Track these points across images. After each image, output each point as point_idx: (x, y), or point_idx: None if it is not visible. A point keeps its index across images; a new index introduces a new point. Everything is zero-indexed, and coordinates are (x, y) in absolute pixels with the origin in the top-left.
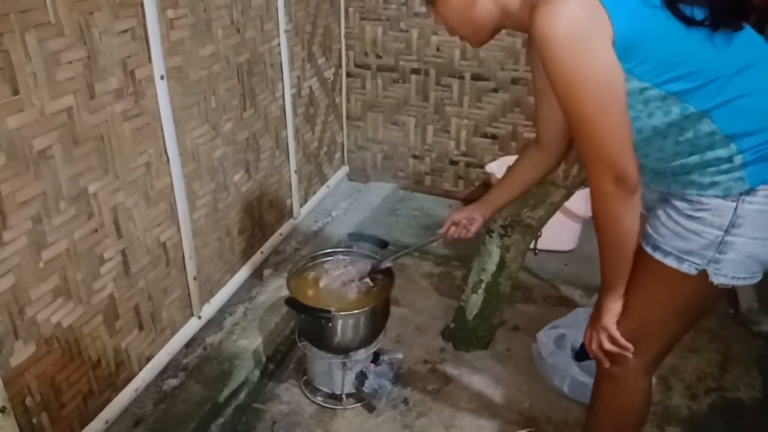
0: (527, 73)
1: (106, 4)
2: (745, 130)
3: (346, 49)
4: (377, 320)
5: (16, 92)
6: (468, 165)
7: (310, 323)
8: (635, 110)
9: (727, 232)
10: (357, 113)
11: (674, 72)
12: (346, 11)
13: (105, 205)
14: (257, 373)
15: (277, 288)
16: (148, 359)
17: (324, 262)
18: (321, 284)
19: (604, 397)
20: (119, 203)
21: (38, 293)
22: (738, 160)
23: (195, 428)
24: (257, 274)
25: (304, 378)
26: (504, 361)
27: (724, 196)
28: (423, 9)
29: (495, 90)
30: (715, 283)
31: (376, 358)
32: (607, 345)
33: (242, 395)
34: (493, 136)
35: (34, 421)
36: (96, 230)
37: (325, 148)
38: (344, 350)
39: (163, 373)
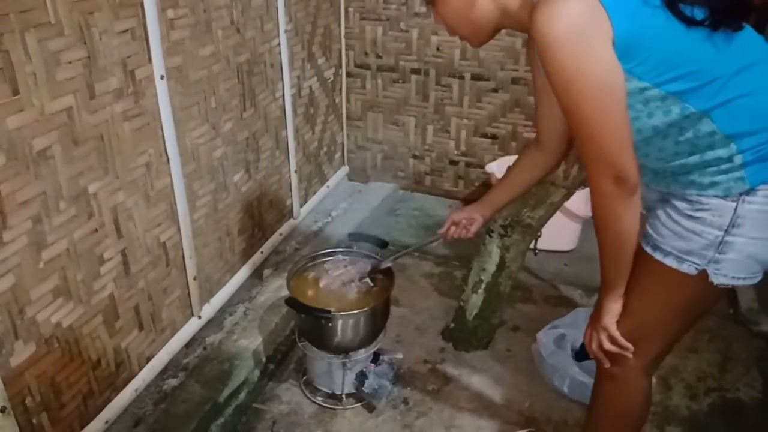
0: (527, 73)
1: (106, 4)
2: (745, 130)
3: (346, 49)
4: (377, 320)
5: (16, 92)
6: (468, 165)
7: (310, 323)
8: (635, 110)
9: (727, 232)
10: (357, 113)
11: (674, 72)
12: (346, 11)
13: (105, 205)
14: (257, 373)
15: (277, 288)
16: (148, 359)
17: (324, 262)
18: (321, 284)
19: (604, 397)
20: (119, 203)
21: (38, 293)
22: (738, 160)
23: (195, 428)
24: (257, 274)
25: (304, 378)
26: (504, 361)
27: (724, 196)
28: (423, 9)
29: (495, 90)
30: (715, 283)
31: (376, 358)
32: (607, 345)
33: (242, 395)
34: (493, 136)
35: (34, 421)
36: (96, 230)
37: (325, 148)
38: (344, 350)
39: (163, 373)
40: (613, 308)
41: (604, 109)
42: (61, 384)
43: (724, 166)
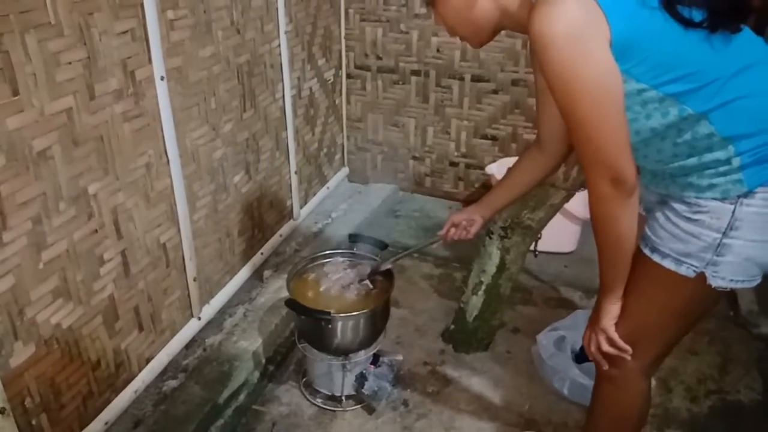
0: (527, 74)
1: (106, 5)
2: (743, 132)
3: (347, 51)
4: (377, 322)
5: (16, 93)
6: (468, 166)
7: (309, 325)
8: (633, 112)
9: (725, 234)
10: (357, 114)
11: (672, 73)
12: (347, 12)
13: (105, 206)
14: (257, 374)
15: (276, 289)
16: (148, 360)
17: (324, 263)
18: (321, 286)
19: (603, 399)
20: (119, 204)
21: (38, 294)
22: (736, 162)
23: (195, 430)
24: (257, 276)
25: (304, 379)
26: (504, 363)
27: (722, 199)
28: (423, 10)
29: (495, 91)
30: (713, 286)
31: (375, 360)
32: (606, 347)
33: (242, 397)
34: (493, 138)
35: (34, 422)
36: (96, 231)
37: (325, 150)
38: (344, 352)
39: (163, 374)
40: (612, 310)
41: (601, 110)
42: (60, 385)
43: (722, 169)
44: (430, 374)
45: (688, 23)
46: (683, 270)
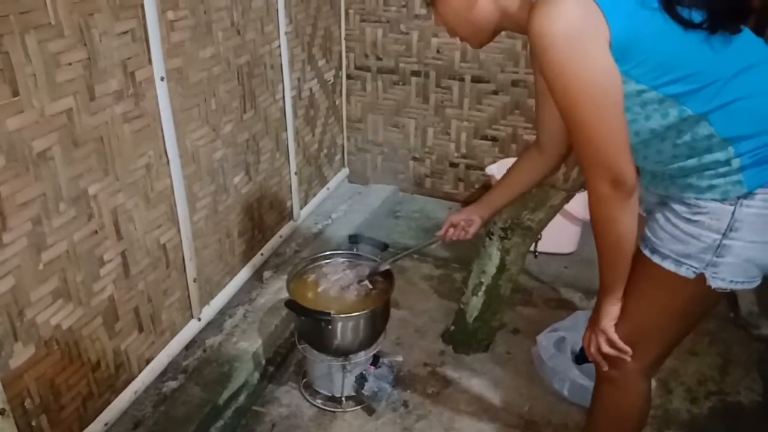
0: (527, 75)
1: (106, 6)
2: (743, 133)
3: (347, 51)
4: (377, 323)
5: (16, 93)
6: (468, 167)
7: (309, 325)
8: (633, 113)
9: (724, 235)
10: (357, 115)
11: (672, 74)
12: (347, 13)
13: (105, 207)
14: (257, 375)
15: (277, 290)
16: (148, 361)
17: (324, 264)
18: (321, 287)
19: (603, 400)
20: (119, 205)
21: (38, 295)
22: (736, 163)
23: (194, 431)
24: (257, 276)
25: (304, 380)
26: (504, 364)
27: (722, 200)
28: (423, 11)
29: (495, 92)
30: (713, 287)
31: (375, 361)
32: (606, 348)
33: (242, 398)
34: (494, 139)
35: (34, 423)
36: (96, 232)
37: (325, 150)
38: (344, 353)
39: (163, 375)
40: (612, 311)
41: (601, 111)
42: (60, 386)
43: (722, 170)
44: (430, 375)
45: (687, 24)
46: (683, 271)
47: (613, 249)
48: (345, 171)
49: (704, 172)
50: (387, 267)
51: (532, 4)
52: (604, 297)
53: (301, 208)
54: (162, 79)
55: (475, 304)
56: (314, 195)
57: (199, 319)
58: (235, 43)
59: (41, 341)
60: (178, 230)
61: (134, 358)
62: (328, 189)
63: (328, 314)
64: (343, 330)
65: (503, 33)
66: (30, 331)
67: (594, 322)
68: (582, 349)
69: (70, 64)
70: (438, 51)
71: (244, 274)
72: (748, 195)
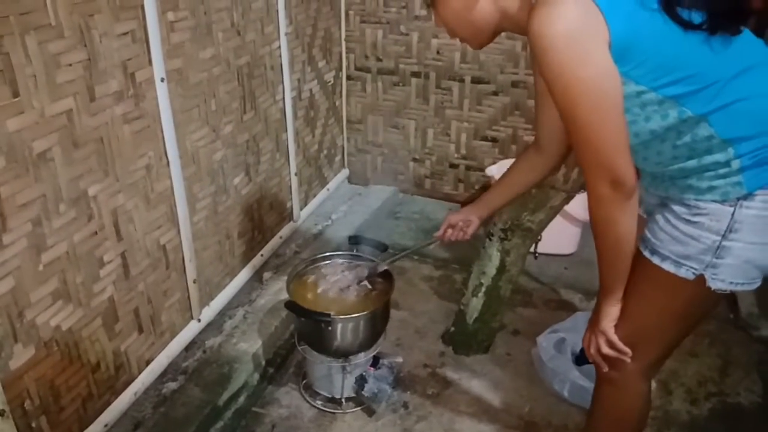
0: (527, 76)
1: (106, 7)
2: (743, 134)
3: (347, 52)
4: (377, 324)
5: (16, 94)
6: (468, 168)
7: (309, 327)
8: (632, 114)
9: (724, 237)
10: (357, 116)
11: (671, 76)
12: (347, 14)
13: (105, 208)
14: (257, 376)
15: (276, 291)
16: (148, 362)
17: (324, 265)
18: (320, 287)
19: (603, 401)
20: (119, 206)
21: (38, 296)
22: (735, 164)
23: None
24: (257, 277)
25: (304, 382)
26: (504, 365)
27: (722, 201)
28: (423, 12)
29: (495, 93)
30: (712, 288)
31: (375, 362)
32: (605, 349)
33: (242, 399)
34: (494, 139)
35: (33, 424)
36: (96, 233)
37: (325, 151)
38: (344, 354)
39: (163, 376)
40: (611, 312)
41: (600, 112)
42: (60, 387)
43: (721, 171)
44: (430, 376)
45: (687, 25)
46: (683, 272)
47: (612, 250)
48: (345, 172)
49: (704, 174)
50: (385, 267)
51: (532, 5)
52: (603, 298)
53: (301, 209)
54: (162, 80)
55: (475, 305)
56: (314, 196)
57: (199, 320)
58: (235, 43)
59: (41, 342)
60: (178, 231)
61: (134, 359)
62: (328, 190)
63: (328, 315)
64: (343, 331)
65: (503, 34)
66: (30, 332)
67: (594, 323)
68: (582, 351)
69: (70, 65)
70: (438, 52)
71: (244, 275)
72: (747, 196)
